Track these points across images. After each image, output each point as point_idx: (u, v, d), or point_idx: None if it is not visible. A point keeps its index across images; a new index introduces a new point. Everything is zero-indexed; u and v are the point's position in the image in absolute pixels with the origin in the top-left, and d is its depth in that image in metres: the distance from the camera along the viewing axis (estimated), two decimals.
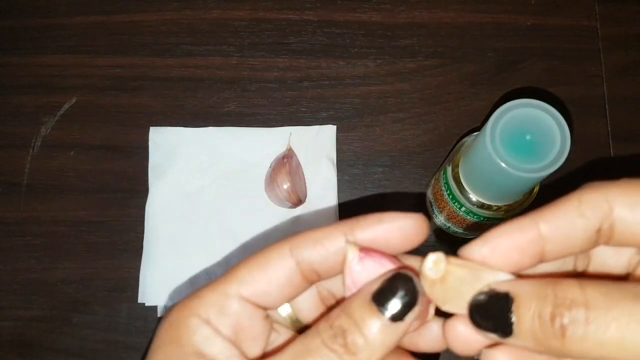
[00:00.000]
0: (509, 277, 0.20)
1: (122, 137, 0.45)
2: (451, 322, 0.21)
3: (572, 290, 0.17)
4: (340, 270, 0.22)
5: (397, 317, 0.20)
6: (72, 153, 0.45)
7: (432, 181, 0.41)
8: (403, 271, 0.20)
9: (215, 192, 0.44)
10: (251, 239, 0.43)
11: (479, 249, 0.21)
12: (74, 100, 0.46)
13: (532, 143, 0.29)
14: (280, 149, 0.44)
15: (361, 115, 0.46)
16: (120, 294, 0.42)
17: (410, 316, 0.20)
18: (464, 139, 0.36)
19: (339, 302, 0.24)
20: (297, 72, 0.47)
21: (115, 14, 0.48)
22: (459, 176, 0.35)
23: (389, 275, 0.20)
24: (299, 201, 0.43)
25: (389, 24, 0.48)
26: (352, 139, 0.45)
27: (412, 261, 0.22)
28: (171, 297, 0.42)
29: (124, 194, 0.44)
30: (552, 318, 0.17)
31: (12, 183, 0.44)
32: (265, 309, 0.22)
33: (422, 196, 0.44)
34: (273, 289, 0.21)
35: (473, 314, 0.19)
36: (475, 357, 0.21)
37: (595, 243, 0.20)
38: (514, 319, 0.18)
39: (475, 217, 0.36)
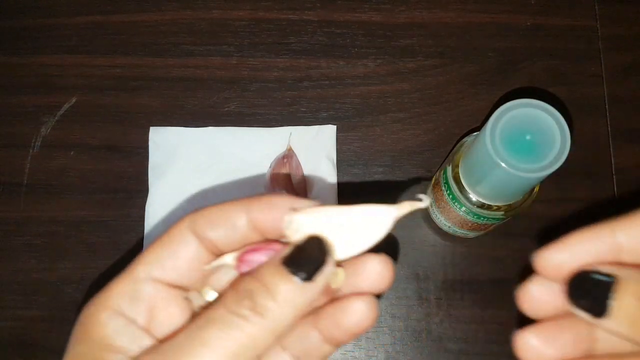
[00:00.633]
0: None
1: (122, 137, 0.45)
2: (528, 284, 0.21)
3: None
4: (241, 245, 0.22)
5: (307, 278, 0.20)
6: (72, 153, 0.45)
7: (432, 181, 0.41)
8: (313, 234, 0.21)
9: (215, 192, 0.44)
10: None
11: (557, 254, 0.20)
12: (73, 100, 0.46)
13: (532, 143, 0.29)
14: (280, 149, 0.44)
15: (361, 115, 0.46)
16: None
17: (320, 277, 0.20)
18: (464, 139, 0.36)
19: None
20: (297, 72, 0.47)
21: (115, 14, 0.48)
22: (459, 176, 0.35)
23: (298, 240, 0.21)
24: None
25: (389, 24, 0.48)
26: (352, 139, 0.45)
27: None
28: None
29: (124, 194, 0.44)
30: None
31: (12, 183, 0.44)
32: (181, 288, 0.22)
33: None
34: (182, 266, 0.21)
35: (572, 290, 0.19)
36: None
37: None
38: (613, 301, 0.18)
39: (475, 217, 0.36)
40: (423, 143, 0.45)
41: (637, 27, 0.48)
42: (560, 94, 0.46)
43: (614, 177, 0.44)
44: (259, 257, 0.21)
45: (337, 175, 0.44)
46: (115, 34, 0.47)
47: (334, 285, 0.22)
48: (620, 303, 0.18)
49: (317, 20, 0.48)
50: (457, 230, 0.40)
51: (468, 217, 0.37)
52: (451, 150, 0.38)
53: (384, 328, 0.42)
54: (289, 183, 0.43)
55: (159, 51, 0.47)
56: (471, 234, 0.41)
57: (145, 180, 0.44)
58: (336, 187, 0.44)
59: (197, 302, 0.22)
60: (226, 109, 0.46)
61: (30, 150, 0.45)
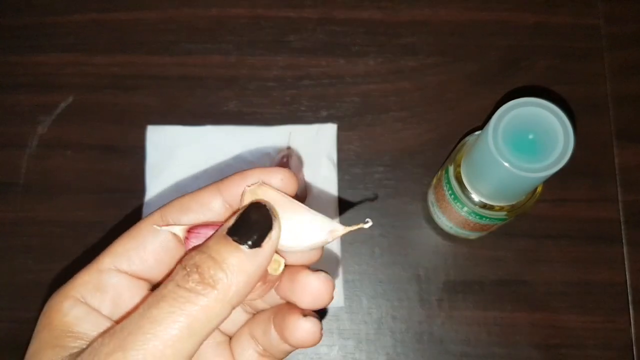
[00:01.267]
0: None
1: (120, 136, 0.45)
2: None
3: None
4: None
5: (255, 245, 0.20)
6: (69, 152, 0.45)
7: (434, 181, 0.40)
8: (256, 201, 0.21)
9: None
10: None
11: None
12: (70, 99, 0.46)
13: (535, 142, 0.29)
14: (280, 148, 0.44)
15: (362, 114, 0.45)
16: None
17: (268, 243, 0.20)
18: (466, 138, 0.36)
19: None
20: (297, 70, 0.46)
21: (112, 12, 0.47)
22: (460, 176, 0.35)
23: (242, 208, 0.21)
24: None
25: (390, 22, 0.47)
26: (353, 138, 0.45)
27: None
28: None
29: (122, 193, 0.44)
30: None
31: (9, 183, 0.44)
32: (148, 280, 0.22)
33: (423, 196, 0.44)
34: (148, 258, 0.22)
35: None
36: None
37: None
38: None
39: (477, 217, 0.36)
40: (424, 142, 0.45)
41: None
42: (562, 92, 0.46)
43: (617, 176, 0.44)
44: (207, 231, 0.21)
45: (338, 174, 0.44)
46: (112, 32, 0.47)
47: (274, 273, 0.22)
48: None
49: (317, 18, 0.47)
50: (459, 230, 0.40)
51: (470, 217, 0.36)
52: (453, 150, 0.37)
53: (385, 330, 0.41)
54: None
55: (156, 49, 0.47)
56: (473, 235, 0.40)
57: (143, 180, 0.44)
58: (336, 186, 0.44)
59: None
60: (225, 107, 0.45)
61: (27, 150, 0.45)
